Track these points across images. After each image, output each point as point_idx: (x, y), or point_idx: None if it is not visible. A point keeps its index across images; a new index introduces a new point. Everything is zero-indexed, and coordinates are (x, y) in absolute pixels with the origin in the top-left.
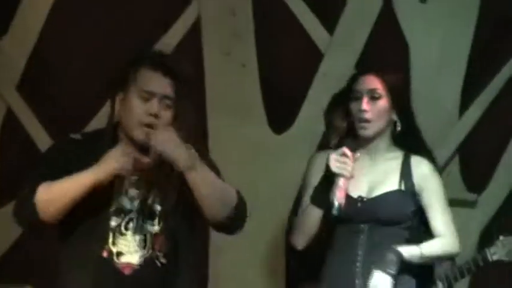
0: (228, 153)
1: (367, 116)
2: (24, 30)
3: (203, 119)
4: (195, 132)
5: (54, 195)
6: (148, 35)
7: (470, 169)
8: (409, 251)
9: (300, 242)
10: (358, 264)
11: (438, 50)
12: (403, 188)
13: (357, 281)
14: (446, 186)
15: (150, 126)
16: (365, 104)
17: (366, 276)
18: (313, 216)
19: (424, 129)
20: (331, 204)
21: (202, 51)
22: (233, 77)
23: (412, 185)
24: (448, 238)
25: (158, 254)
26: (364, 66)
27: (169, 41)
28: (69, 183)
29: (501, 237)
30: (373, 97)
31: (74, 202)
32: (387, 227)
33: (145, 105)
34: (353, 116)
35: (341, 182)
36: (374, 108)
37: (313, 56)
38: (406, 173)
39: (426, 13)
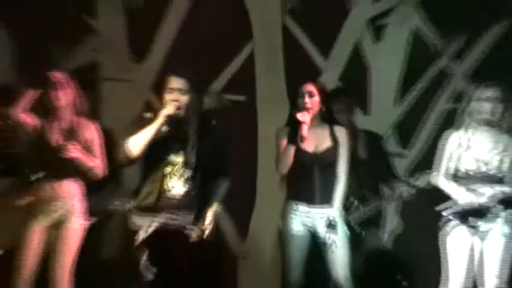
0: None
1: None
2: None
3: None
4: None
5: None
6: None
7: (402, 135)
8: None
9: (284, 169)
10: (316, 186)
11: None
12: (333, 144)
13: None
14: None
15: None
16: (306, 98)
17: (321, 192)
18: (290, 150)
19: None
20: (299, 139)
21: None
22: None
23: (337, 141)
24: (344, 182)
25: (190, 189)
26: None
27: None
28: (142, 134)
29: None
30: (311, 95)
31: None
32: (327, 167)
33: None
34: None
35: (303, 127)
36: (312, 101)
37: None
38: (333, 134)
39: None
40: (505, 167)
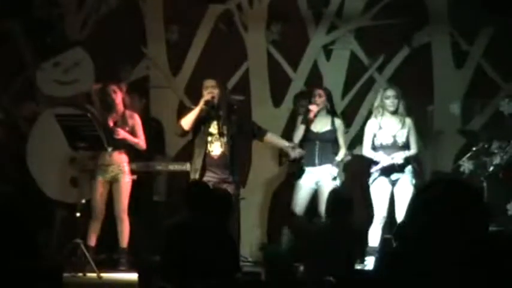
0: None
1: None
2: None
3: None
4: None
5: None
6: None
7: (346, 119)
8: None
9: (296, 141)
10: (316, 154)
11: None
12: (332, 128)
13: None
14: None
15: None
16: (317, 98)
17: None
18: (301, 130)
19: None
20: (308, 121)
21: None
22: None
23: (334, 126)
24: (344, 149)
25: (225, 149)
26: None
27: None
28: (190, 114)
29: None
30: (320, 96)
31: (194, 120)
32: (328, 142)
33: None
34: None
35: (311, 113)
36: (319, 100)
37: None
38: (333, 122)
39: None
40: (408, 139)
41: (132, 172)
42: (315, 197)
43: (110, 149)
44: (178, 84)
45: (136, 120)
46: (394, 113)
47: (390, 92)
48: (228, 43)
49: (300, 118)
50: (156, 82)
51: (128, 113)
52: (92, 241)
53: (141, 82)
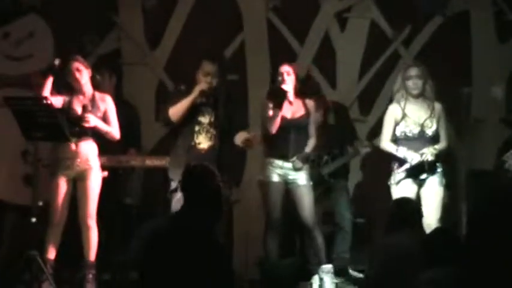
0: None
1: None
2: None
3: None
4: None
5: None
6: None
7: (362, 105)
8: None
9: (274, 130)
10: (290, 143)
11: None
12: (305, 113)
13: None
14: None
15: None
16: (285, 76)
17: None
18: (278, 114)
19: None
20: (288, 103)
21: None
22: None
23: (308, 111)
24: (314, 140)
25: (215, 143)
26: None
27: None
28: (181, 104)
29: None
30: (288, 74)
31: (184, 112)
32: (301, 128)
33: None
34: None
35: (288, 95)
36: (289, 79)
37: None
38: (305, 106)
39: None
40: (438, 129)
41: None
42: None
43: (74, 140)
44: (157, 60)
45: (109, 104)
46: (420, 96)
47: (412, 71)
48: (219, 9)
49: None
50: (130, 58)
51: (98, 95)
52: (51, 253)
53: (111, 57)
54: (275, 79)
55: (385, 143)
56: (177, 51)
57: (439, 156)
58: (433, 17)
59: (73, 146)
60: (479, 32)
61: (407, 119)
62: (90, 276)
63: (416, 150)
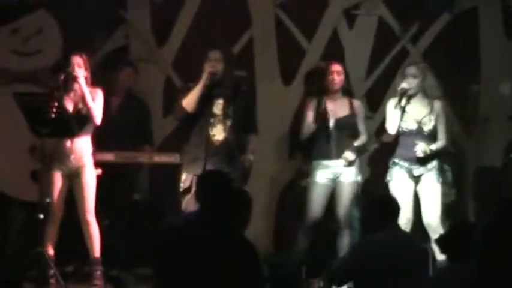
0: None
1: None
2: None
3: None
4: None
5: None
6: None
7: (371, 103)
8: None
9: (305, 135)
10: (332, 142)
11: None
12: (350, 112)
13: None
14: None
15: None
16: (335, 76)
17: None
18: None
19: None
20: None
21: None
22: None
23: (354, 110)
24: (365, 136)
25: (228, 136)
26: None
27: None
28: (193, 93)
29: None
30: (338, 73)
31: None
32: (345, 129)
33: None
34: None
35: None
36: (338, 78)
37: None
38: (351, 105)
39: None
40: (437, 126)
41: (104, 165)
42: (332, 195)
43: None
44: (164, 56)
45: (98, 97)
46: (417, 94)
47: (408, 70)
48: (228, 6)
49: (314, 101)
50: (138, 54)
51: (90, 90)
52: (49, 249)
53: (118, 54)
54: (319, 75)
55: (392, 127)
56: (185, 47)
57: (435, 155)
58: (441, 14)
59: (68, 143)
60: (487, 29)
61: (406, 115)
62: (98, 272)
63: (413, 146)
